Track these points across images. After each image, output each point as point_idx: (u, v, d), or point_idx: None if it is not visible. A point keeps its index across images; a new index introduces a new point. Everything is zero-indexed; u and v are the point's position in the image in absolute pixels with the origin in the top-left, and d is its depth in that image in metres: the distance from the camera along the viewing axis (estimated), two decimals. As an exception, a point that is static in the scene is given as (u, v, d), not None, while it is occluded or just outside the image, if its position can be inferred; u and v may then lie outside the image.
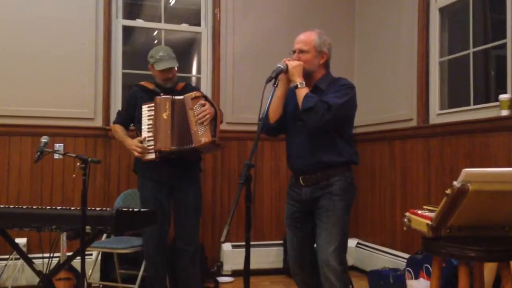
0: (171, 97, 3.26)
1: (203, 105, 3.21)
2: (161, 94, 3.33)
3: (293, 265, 2.78)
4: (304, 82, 2.56)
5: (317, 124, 2.48)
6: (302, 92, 2.53)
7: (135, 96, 3.45)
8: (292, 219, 2.74)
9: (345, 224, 2.60)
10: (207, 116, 3.18)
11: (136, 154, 3.23)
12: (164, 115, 3.21)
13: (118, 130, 3.45)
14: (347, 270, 2.62)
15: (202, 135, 3.16)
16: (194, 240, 3.39)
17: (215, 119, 3.25)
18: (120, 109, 3.72)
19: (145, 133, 3.25)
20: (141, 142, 3.23)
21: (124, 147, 3.38)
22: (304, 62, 2.60)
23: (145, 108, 3.30)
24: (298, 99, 2.55)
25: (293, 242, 2.75)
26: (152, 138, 3.22)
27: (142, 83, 3.48)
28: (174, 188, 3.35)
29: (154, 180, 3.31)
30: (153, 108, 3.25)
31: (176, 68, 3.42)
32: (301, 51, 2.63)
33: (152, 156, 3.21)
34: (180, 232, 3.38)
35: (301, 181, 2.65)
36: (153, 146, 3.21)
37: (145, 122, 3.28)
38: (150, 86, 3.42)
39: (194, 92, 3.28)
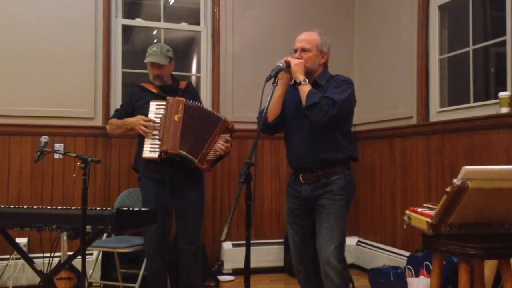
0: (184, 100, 3.23)
1: (227, 141, 3.31)
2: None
3: (295, 262, 2.78)
4: (307, 79, 2.56)
5: (322, 119, 2.48)
6: (305, 88, 2.53)
7: (134, 96, 3.43)
8: (293, 216, 2.74)
9: (344, 223, 2.61)
10: (222, 151, 3.27)
11: (142, 129, 3.17)
12: (176, 117, 3.17)
13: (114, 121, 3.42)
14: (347, 268, 2.63)
15: (207, 160, 3.25)
16: (196, 239, 3.39)
17: (222, 156, 3.35)
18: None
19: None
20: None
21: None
22: (305, 61, 2.60)
23: (153, 105, 3.25)
24: (301, 95, 2.54)
25: (294, 239, 2.75)
26: (158, 136, 3.19)
27: (144, 84, 3.45)
28: (177, 187, 3.33)
29: (156, 180, 3.29)
30: (163, 107, 3.21)
31: (166, 68, 3.36)
32: (303, 50, 2.64)
33: (155, 155, 3.17)
34: (182, 231, 3.38)
35: (301, 179, 2.65)
36: (158, 145, 3.17)
37: (152, 119, 3.22)
38: (154, 89, 3.39)
39: (232, 123, 3.36)
